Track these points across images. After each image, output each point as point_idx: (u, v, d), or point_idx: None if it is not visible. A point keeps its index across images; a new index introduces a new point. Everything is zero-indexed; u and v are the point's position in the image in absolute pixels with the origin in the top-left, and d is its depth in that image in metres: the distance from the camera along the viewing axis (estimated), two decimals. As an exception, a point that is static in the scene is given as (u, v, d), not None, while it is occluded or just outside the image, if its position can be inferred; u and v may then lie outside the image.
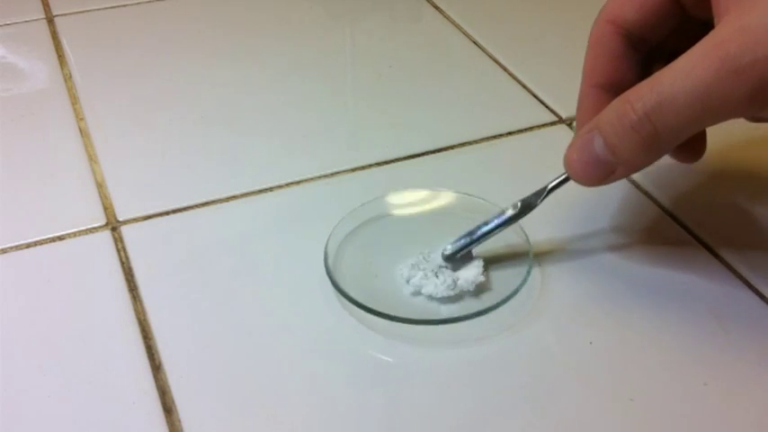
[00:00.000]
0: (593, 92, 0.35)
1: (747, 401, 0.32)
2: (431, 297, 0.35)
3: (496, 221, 0.36)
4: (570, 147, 0.33)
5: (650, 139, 0.30)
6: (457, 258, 0.36)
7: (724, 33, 0.29)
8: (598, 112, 0.33)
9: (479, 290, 0.36)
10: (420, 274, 0.36)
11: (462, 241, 0.36)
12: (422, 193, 0.41)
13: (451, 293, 0.35)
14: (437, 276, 0.36)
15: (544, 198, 0.36)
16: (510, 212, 0.36)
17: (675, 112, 0.29)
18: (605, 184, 0.33)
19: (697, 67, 0.29)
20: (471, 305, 0.35)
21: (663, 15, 0.34)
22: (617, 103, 0.31)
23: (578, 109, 0.36)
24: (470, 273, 0.36)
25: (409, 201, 0.40)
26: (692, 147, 0.37)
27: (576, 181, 0.34)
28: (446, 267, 0.36)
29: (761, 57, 0.28)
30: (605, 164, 0.32)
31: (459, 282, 0.35)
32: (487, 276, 0.36)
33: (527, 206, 0.36)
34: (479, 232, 0.36)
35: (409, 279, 0.36)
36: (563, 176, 0.36)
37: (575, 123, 0.35)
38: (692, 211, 0.41)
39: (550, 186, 0.36)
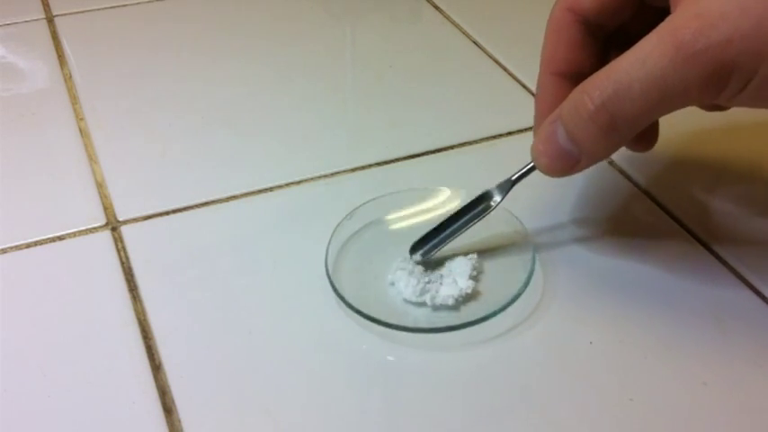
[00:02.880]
0: (551, 80, 0.35)
1: (747, 401, 0.32)
2: (405, 300, 0.35)
3: (461, 220, 0.36)
4: (536, 138, 0.33)
5: (608, 129, 0.30)
6: (432, 259, 0.36)
7: (679, 20, 0.29)
8: (557, 100, 0.33)
9: (476, 295, 0.36)
10: (407, 266, 0.36)
11: (430, 243, 0.36)
12: (424, 192, 0.41)
13: (415, 300, 0.35)
14: (412, 277, 0.35)
15: (508, 192, 0.36)
16: (475, 209, 0.36)
17: (632, 100, 0.29)
18: (571, 174, 0.33)
19: (652, 54, 0.29)
20: (469, 313, 0.35)
21: (620, 3, 0.34)
22: (575, 93, 0.31)
23: (537, 97, 0.36)
24: (451, 289, 0.35)
25: (411, 200, 0.40)
26: (644, 136, 0.37)
27: (543, 172, 0.34)
28: (430, 271, 0.36)
29: (714, 42, 0.28)
30: (569, 155, 0.32)
31: (430, 295, 0.35)
32: (487, 279, 0.36)
33: (489, 204, 0.36)
34: (445, 233, 0.36)
35: (395, 270, 0.36)
36: (526, 168, 0.36)
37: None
38: (692, 212, 0.41)
39: (514, 179, 0.36)
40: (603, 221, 0.40)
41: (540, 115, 0.35)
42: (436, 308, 0.35)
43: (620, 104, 0.30)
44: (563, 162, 0.32)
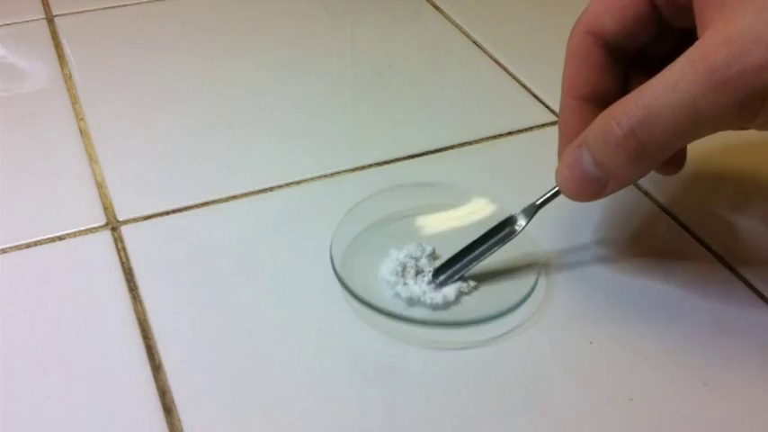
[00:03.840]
0: (574, 104, 0.35)
1: (747, 401, 0.32)
2: (423, 303, 0.35)
3: (486, 245, 0.36)
4: (560, 163, 0.33)
5: (637, 155, 0.30)
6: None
7: (709, 44, 0.28)
8: (581, 123, 0.33)
9: (481, 295, 0.36)
10: (400, 270, 0.36)
11: (452, 269, 0.36)
12: (430, 188, 0.41)
13: (395, 279, 0.35)
14: (413, 280, 0.36)
15: (532, 217, 0.36)
16: (500, 235, 0.36)
17: (662, 126, 0.29)
18: (597, 199, 0.33)
19: (683, 80, 0.28)
20: (472, 312, 0.35)
21: (642, 24, 0.34)
22: (602, 119, 0.31)
23: (560, 122, 0.36)
24: (447, 291, 0.35)
25: (416, 195, 0.40)
26: (672, 159, 0.36)
27: (569, 197, 0.33)
28: (429, 274, 0.36)
29: (748, 67, 0.27)
30: (596, 180, 0.32)
31: (429, 295, 0.35)
32: (492, 280, 0.36)
33: (514, 230, 0.36)
34: (468, 258, 0.36)
35: (389, 275, 0.36)
36: (551, 192, 0.35)
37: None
38: (692, 212, 0.41)
39: (538, 204, 0.36)
40: (603, 222, 0.40)
41: (565, 139, 0.35)
42: (446, 305, 0.35)
43: (649, 131, 0.29)
44: (589, 187, 0.32)
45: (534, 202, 0.36)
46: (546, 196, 0.36)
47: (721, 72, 0.27)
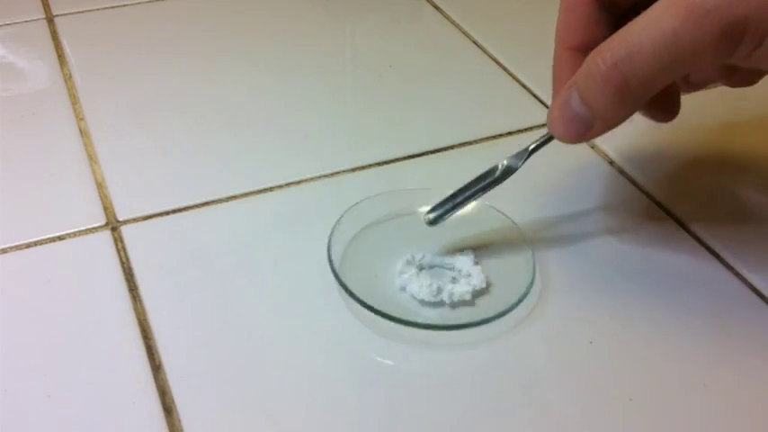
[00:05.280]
0: (566, 54, 0.36)
1: (747, 401, 0.32)
2: (421, 301, 0.35)
3: (480, 184, 0.36)
4: (552, 106, 0.34)
5: (621, 90, 0.31)
6: (435, 264, 0.36)
7: None
8: (572, 73, 0.33)
9: (488, 290, 0.36)
10: (412, 270, 0.36)
11: (444, 207, 0.36)
12: (427, 192, 0.40)
13: (433, 300, 0.35)
14: (426, 278, 0.36)
15: (525, 160, 0.36)
16: (492, 176, 0.36)
17: (644, 61, 0.30)
18: (585, 140, 0.34)
19: (664, 15, 0.29)
20: (471, 314, 0.35)
21: None
22: (589, 57, 0.31)
23: (553, 72, 0.36)
24: (461, 287, 0.36)
25: (413, 198, 0.40)
26: (665, 105, 0.37)
27: (558, 138, 0.34)
28: (440, 268, 0.36)
29: (725, 1, 0.28)
30: (583, 119, 0.32)
31: (447, 292, 0.35)
32: (492, 275, 0.36)
33: (508, 169, 0.36)
34: (461, 197, 0.36)
35: (400, 274, 0.36)
36: (544, 138, 0.36)
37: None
38: (693, 212, 0.41)
39: (531, 148, 0.36)
40: (603, 222, 0.40)
41: (557, 87, 0.36)
42: (454, 305, 0.35)
43: (631, 65, 0.30)
44: (576, 126, 0.33)
45: (527, 147, 0.36)
46: (539, 141, 0.36)
47: (700, 6, 0.28)
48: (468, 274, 0.36)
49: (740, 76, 0.37)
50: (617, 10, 0.35)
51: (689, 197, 0.42)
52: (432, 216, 0.36)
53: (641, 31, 0.30)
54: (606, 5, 0.35)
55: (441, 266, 0.37)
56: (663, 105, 0.37)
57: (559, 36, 0.36)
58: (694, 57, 0.29)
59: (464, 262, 0.37)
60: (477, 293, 0.35)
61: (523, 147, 0.36)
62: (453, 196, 0.37)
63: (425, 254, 0.37)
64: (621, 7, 0.35)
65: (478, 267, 0.36)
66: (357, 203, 0.39)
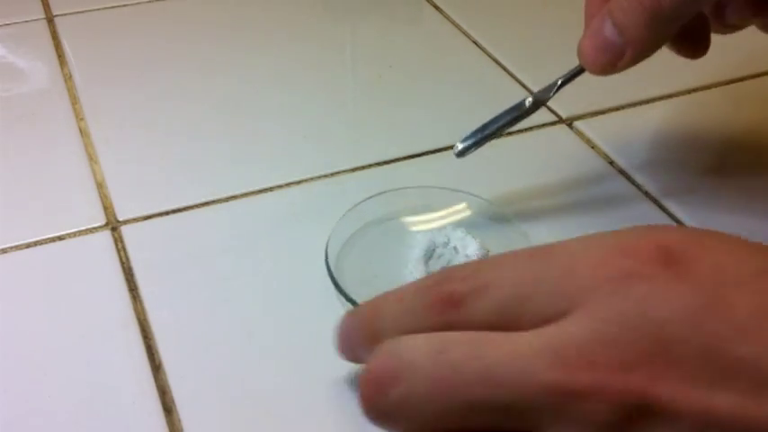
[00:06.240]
0: None
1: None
2: None
3: (508, 117, 0.36)
4: (583, 35, 0.34)
5: (654, 12, 0.31)
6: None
7: None
8: (601, 7, 0.34)
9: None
10: (420, 268, 0.36)
11: (473, 138, 0.36)
12: (423, 191, 0.40)
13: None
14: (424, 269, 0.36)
15: (556, 92, 0.36)
16: (522, 107, 0.37)
17: None
18: (615, 70, 0.34)
19: None
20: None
21: None
22: None
23: (585, 6, 0.36)
24: (462, 258, 0.35)
25: (411, 199, 0.40)
26: (695, 39, 0.38)
27: (587, 69, 0.34)
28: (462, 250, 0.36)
29: None
30: (615, 46, 0.33)
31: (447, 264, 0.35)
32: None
33: (539, 101, 0.36)
34: (491, 128, 0.36)
35: (426, 259, 0.36)
36: (574, 70, 0.36)
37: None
38: (692, 211, 0.41)
39: (561, 81, 0.36)
40: (603, 221, 0.40)
41: (589, 19, 0.36)
42: None
43: None
44: (608, 54, 0.33)
45: (555, 81, 0.36)
46: (568, 74, 0.36)
47: None
48: (464, 249, 0.36)
49: None
50: None
51: (689, 197, 0.42)
52: (461, 146, 0.36)
53: None
54: None
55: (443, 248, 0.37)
56: (693, 39, 0.37)
57: None
58: None
59: (457, 236, 0.36)
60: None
61: (552, 80, 0.36)
62: (482, 128, 0.36)
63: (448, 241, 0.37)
64: None
65: (464, 234, 0.36)
66: (358, 204, 0.39)
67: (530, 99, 0.36)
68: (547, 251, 0.24)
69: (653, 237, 0.23)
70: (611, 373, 0.21)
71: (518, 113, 0.36)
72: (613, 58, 0.33)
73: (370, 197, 0.39)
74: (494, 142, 0.42)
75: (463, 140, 0.36)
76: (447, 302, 0.24)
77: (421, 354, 0.23)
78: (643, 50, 0.33)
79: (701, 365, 0.21)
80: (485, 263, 0.25)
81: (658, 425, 0.21)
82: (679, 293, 0.22)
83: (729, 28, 0.38)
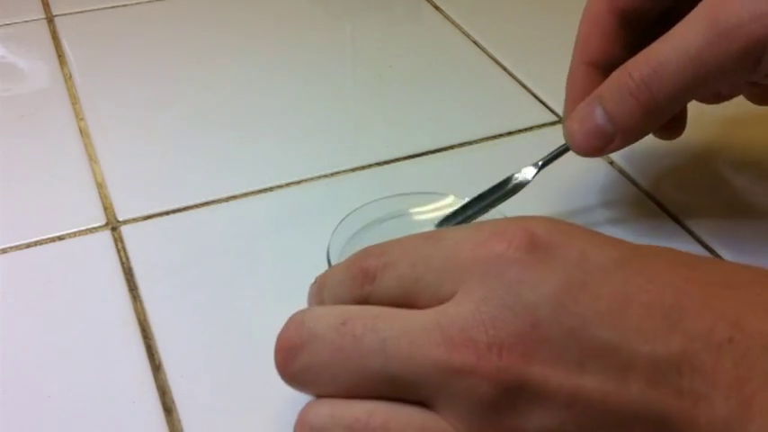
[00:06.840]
0: (583, 68, 0.36)
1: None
2: None
3: (490, 198, 0.37)
4: (570, 118, 0.34)
5: (648, 105, 0.31)
6: None
7: (712, 1, 0.30)
8: (588, 88, 0.34)
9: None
10: None
11: (456, 219, 0.37)
12: (425, 197, 0.40)
13: None
14: None
15: (537, 174, 0.37)
16: (503, 189, 0.37)
17: (670, 77, 0.31)
18: (603, 154, 0.34)
19: (688, 33, 0.30)
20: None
21: None
22: (617, 72, 0.32)
23: (568, 84, 0.37)
24: None
25: (412, 203, 0.40)
26: (672, 124, 0.38)
27: (575, 151, 0.34)
28: None
29: (746, 19, 0.29)
30: (605, 133, 0.33)
31: None
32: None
33: (519, 184, 0.37)
34: (471, 211, 0.37)
35: None
36: (557, 150, 0.36)
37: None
38: (692, 211, 0.41)
39: (542, 162, 0.37)
40: (603, 221, 0.40)
41: (571, 101, 0.36)
42: None
43: (659, 81, 0.31)
44: (597, 140, 0.33)
45: (537, 162, 0.37)
46: (551, 154, 0.37)
47: (722, 24, 0.29)
48: None
49: (761, 90, 0.37)
50: (639, 26, 0.36)
51: (689, 197, 0.42)
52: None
53: (667, 49, 0.31)
54: (629, 21, 0.35)
55: None
56: (671, 124, 0.38)
57: (578, 50, 0.37)
58: (716, 74, 0.30)
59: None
60: None
61: (535, 161, 0.37)
62: (465, 207, 0.37)
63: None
64: (644, 23, 0.36)
65: None
66: (360, 206, 0.39)
67: (517, 176, 0.37)
68: (439, 235, 0.27)
69: (523, 224, 0.25)
70: (489, 352, 0.23)
71: (500, 194, 0.37)
72: (603, 144, 0.33)
73: (375, 200, 0.39)
74: (494, 143, 0.42)
75: (445, 220, 0.37)
76: (364, 276, 0.27)
77: (324, 325, 0.26)
78: (633, 138, 0.33)
79: (570, 346, 0.23)
80: (395, 242, 0.27)
81: (534, 403, 0.23)
82: (548, 277, 0.24)
83: (724, 99, 0.39)
